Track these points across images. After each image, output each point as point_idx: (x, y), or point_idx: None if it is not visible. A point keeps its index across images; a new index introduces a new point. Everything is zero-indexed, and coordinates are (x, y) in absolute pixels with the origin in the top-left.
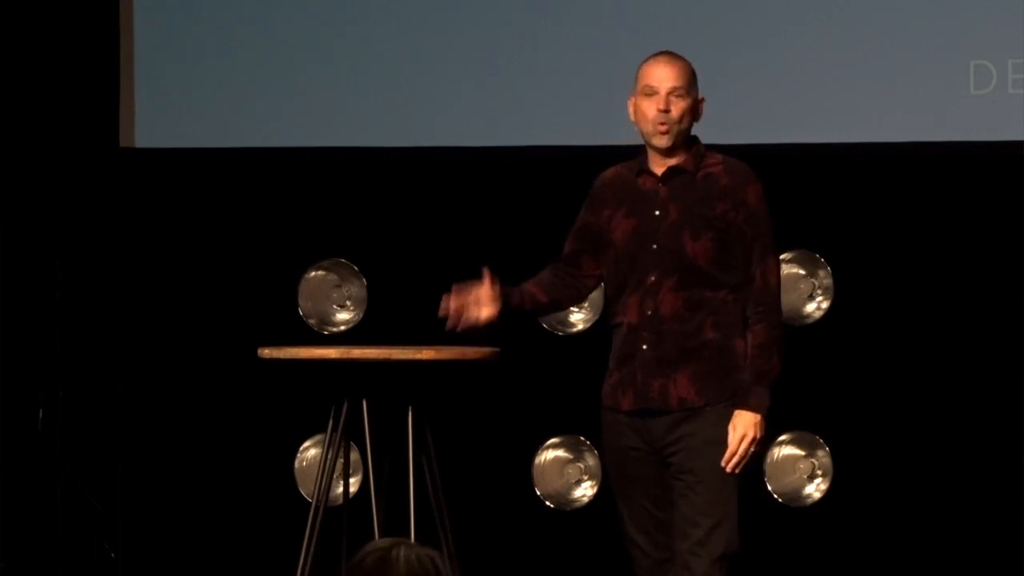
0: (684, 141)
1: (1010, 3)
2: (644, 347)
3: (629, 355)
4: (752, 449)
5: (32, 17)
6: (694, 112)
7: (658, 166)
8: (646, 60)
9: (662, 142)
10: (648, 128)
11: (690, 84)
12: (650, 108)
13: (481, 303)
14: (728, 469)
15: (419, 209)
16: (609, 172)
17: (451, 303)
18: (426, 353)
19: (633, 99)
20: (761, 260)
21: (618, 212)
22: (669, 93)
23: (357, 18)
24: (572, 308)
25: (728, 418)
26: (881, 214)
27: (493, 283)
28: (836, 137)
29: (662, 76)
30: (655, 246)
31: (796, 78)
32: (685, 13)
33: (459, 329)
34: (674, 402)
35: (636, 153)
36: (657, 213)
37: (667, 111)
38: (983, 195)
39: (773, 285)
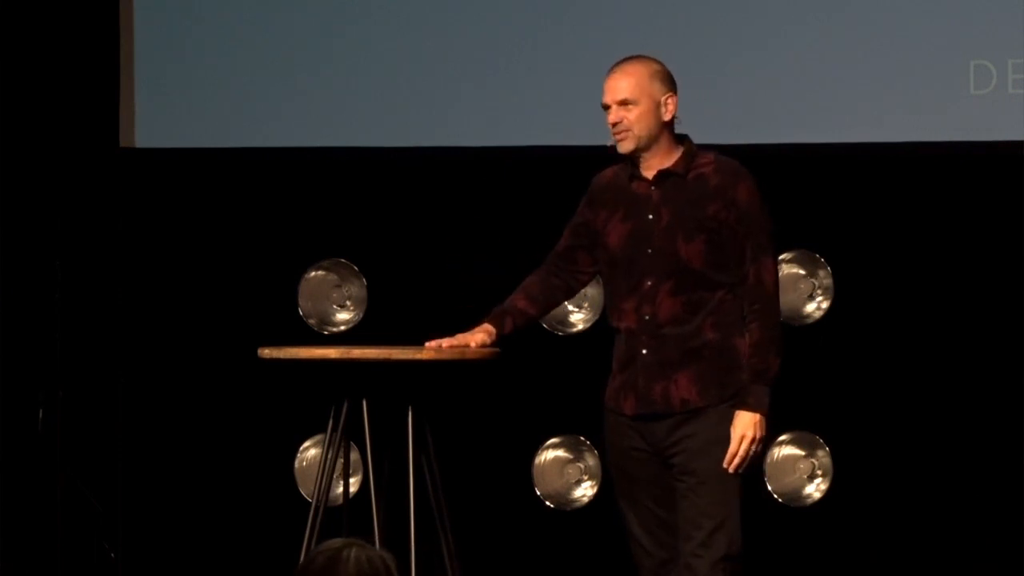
0: (666, 140)
1: (1010, 3)
2: (644, 351)
3: (630, 360)
4: (754, 449)
5: (32, 17)
6: (656, 113)
7: (649, 169)
8: None
9: (623, 148)
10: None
11: (643, 88)
12: (608, 121)
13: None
14: (731, 470)
15: (419, 209)
16: (607, 173)
17: (444, 342)
18: (426, 353)
19: None
20: (755, 259)
21: (613, 216)
22: (619, 106)
23: (357, 18)
24: (571, 308)
25: (730, 418)
26: (881, 214)
27: (486, 332)
28: (836, 137)
29: (608, 90)
30: (650, 250)
31: (796, 78)
32: (685, 13)
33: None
34: (676, 403)
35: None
36: (650, 217)
37: (615, 123)
38: (983, 195)
39: (768, 283)
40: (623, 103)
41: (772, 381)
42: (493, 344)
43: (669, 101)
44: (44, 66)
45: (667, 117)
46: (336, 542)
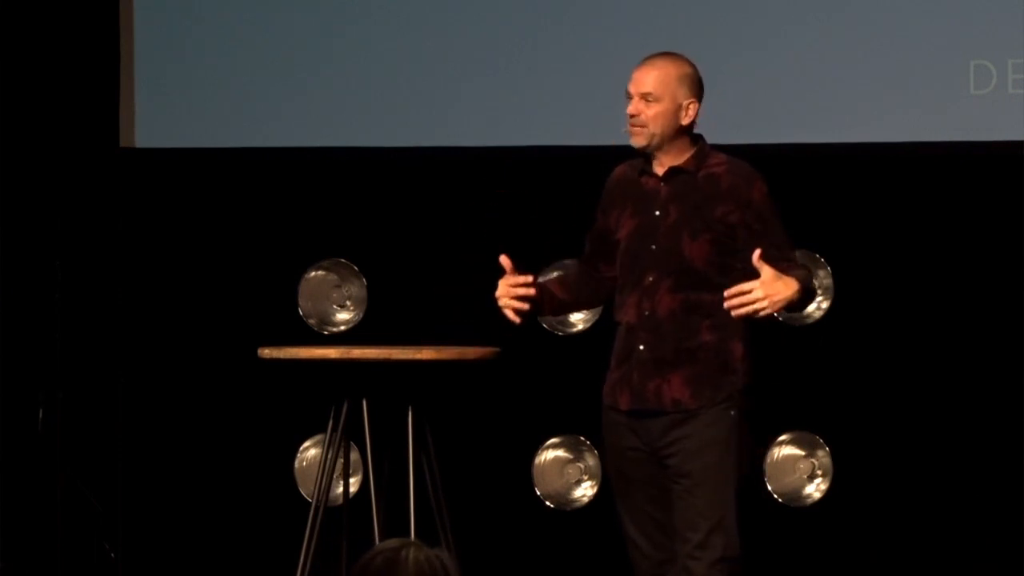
0: (681, 141)
1: (1010, 3)
2: (641, 347)
3: (627, 354)
4: (765, 304)
5: (32, 17)
6: (675, 115)
7: (659, 166)
8: None
9: (635, 142)
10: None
11: (669, 88)
12: (627, 111)
13: (523, 300)
14: (733, 302)
15: (419, 209)
16: (617, 171)
17: (509, 282)
18: (426, 353)
19: None
20: (786, 258)
21: (624, 212)
22: (641, 98)
23: (357, 18)
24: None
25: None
26: (881, 214)
27: (533, 286)
28: (836, 137)
29: (636, 80)
30: (654, 246)
31: (796, 78)
32: (685, 13)
33: (512, 310)
34: (668, 403)
35: (637, 153)
36: (657, 213)
37: (634, 115)
38: (983, 195)
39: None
40: (645, 96)
41: (804, 293)
42: (526, 315)
43: (691, 107)
44: (44, 66)
45: (685, 122)
46: (393, 543)
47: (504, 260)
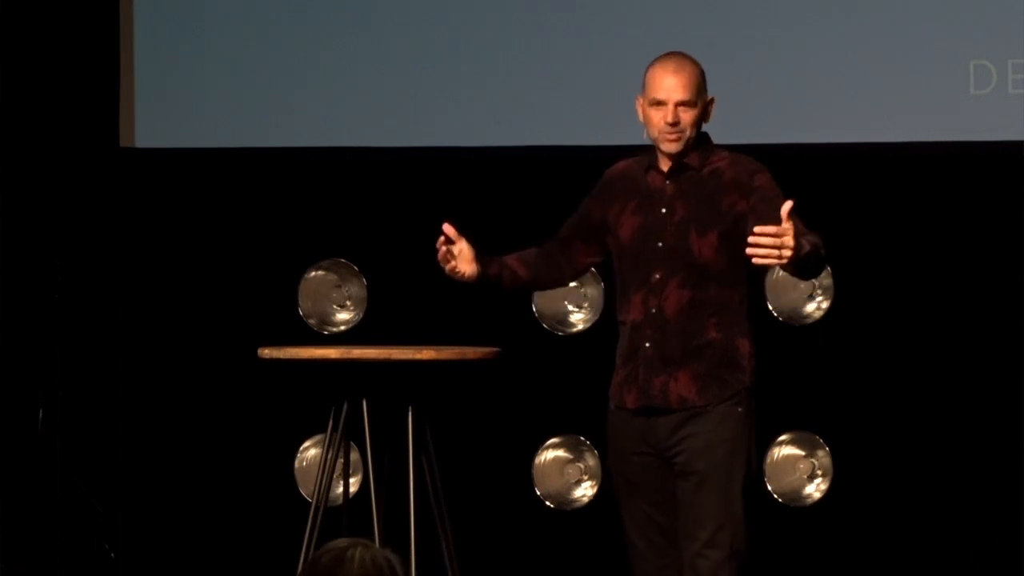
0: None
1: (1010, 3)
2: (647, 345)
3: (633, 353)
4: (789, 253)
5: (32, 17)
6: (704, 116)
7: (664, 163)
8: (654, 63)
9: (672, 148)
10: (656, 135)
11: (699, 90)
12: (659, 119)
13: (463, 258)
14: (765, 241)
15: (419, 209)
16: (620, 165)
17: (444, 240)
18: (426, 353)
19: (642, 99)
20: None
21: (627, 208)
22: (677, 105)
23: (357, 18)
24: (571, 308)
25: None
26: (881, 214)
27: (460, 240)
28: (836, 137)
29: (670, 88)
30: (661, 244)
31: (796, 78)
32: (686, 13)
33: (448, 270)
34: (674, 400)
35: (640, 150)
36: (664, 211)
37: (676, 123)
38: (983, 195)
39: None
40: (682, 103)
41: (809, 254)
42: (472, 280)
43: (712, 105)
44: (44, 66)
45: (708, 120)
46: (341, 542)
47: (447, 227)
